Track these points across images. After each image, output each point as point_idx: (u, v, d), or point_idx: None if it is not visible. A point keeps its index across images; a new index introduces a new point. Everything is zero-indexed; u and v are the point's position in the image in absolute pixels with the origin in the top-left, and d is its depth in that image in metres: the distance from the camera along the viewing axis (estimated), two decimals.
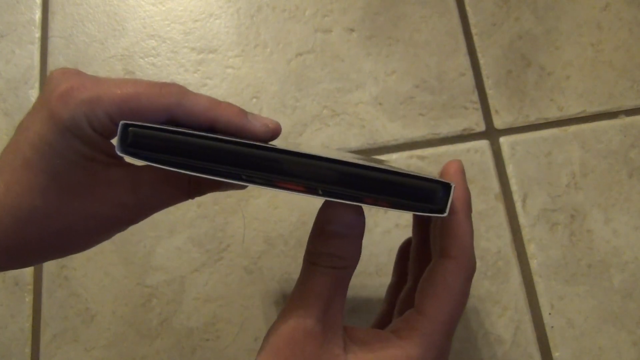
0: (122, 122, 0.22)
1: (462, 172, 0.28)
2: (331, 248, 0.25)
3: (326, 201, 0.25)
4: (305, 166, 0.22)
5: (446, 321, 0.25)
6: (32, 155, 0.25)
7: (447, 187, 0.22)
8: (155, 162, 0.22)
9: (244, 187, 0.30)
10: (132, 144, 0.22)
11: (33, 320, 0.42)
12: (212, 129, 0.26)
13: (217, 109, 0.26)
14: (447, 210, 0.22)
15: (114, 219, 0.27)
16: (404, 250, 0.35)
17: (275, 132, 0.27)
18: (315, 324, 0.24)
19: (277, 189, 0.22)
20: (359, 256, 0.25)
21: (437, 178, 0.22)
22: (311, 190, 0.22)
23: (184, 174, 0.22)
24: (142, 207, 0.28)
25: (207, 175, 0.22)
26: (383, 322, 0.33)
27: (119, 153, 0.22)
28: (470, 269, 0.26)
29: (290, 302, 0.25)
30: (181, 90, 0.26)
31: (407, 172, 0.22)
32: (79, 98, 0.24)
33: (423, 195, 0.22)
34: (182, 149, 0.22)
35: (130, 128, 0.22)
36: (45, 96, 0.25)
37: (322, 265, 0.25)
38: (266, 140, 0.26)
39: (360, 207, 0.25)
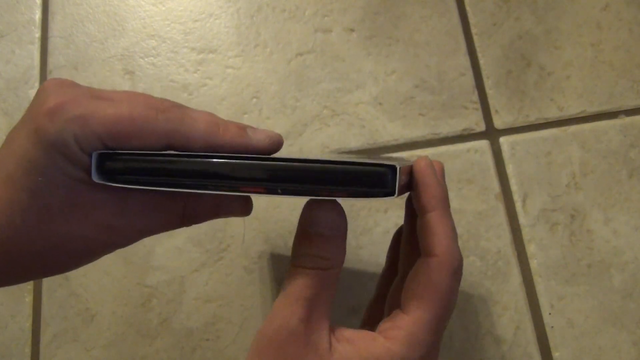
0: (94, 153, 0.24)
1: (431, 168, 0.28)
2: (314, 249, 0.25)
3: (308, 203, 0.26)
4: (259, 169, 0.23)
5: (432, 320, 0.25)
6: (14, 170, 0.23)
7: (393, 169, 0.23)
8: (128, 184, 0.24)
9: (240, 213, 0.31)
10: (103, 171, 0.24)
11: (33, 320, 0.42)
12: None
13: (216, 135, 0.25)
14: (397, 191, 0.22)
15: (100, 241, 0.26)
16: (397, 238, 0.35)
17: (279, 143, 0.26)
18: (298, 324, 0.24)
19: (242, 193, 0.24)
20: (344, 256, 0.26)
21: (386, 162, 0.23)
22: (272, 191, 0.23)
23: (155, 190, 0.24)
24: (131, 230, 0.27)
25: (178, 189, 0.24)
26: (373, 309, 0.33)
27: (94, 179, 0.24)
28: (454, 266, 0.26)
29: (275, 303, 0.25)
30: (179, 114, 0.25)
31: (355, 161, 0.23)
32: (68, 115, 0.23)
33: (373, 181, 0.23)
34: (150, 169, 0.24)
35: (99, 153, 0.24)
36: (33, 109, 0.24)
37: (305, 267, 0.25)
38: (271, 153, 0.26)
39: (341, 208, 0.26)
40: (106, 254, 0.28)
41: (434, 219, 0.27)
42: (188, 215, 0.29)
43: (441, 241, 0.26)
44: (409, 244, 0.31)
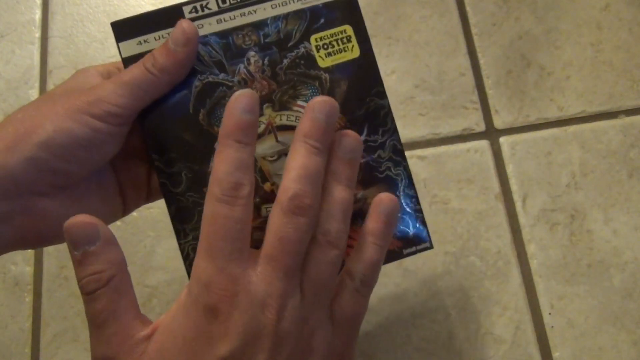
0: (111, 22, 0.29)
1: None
2: None
3: None
4: None
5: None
6: None
7: None
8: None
9: None
10: (119, 33, 0.29)
11: (33, 320, 0.42)
12: None
13: None
14: None
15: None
16: None
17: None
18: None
19: None
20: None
21: None
22: None
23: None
24: None
25: None
26: None
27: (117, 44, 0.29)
28: (280, 199, 0.25)
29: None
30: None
31: None
32: (24, 149, 0.25)
33: None
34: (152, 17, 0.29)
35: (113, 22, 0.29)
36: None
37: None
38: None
39: None
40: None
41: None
42: (128, 208, 0.32)
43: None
44: None
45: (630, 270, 0.41)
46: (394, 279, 0.41)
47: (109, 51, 0.49)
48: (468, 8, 0.48)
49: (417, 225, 0.31)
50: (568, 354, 0.39)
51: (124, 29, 0.29)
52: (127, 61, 0.29)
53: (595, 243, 0.42)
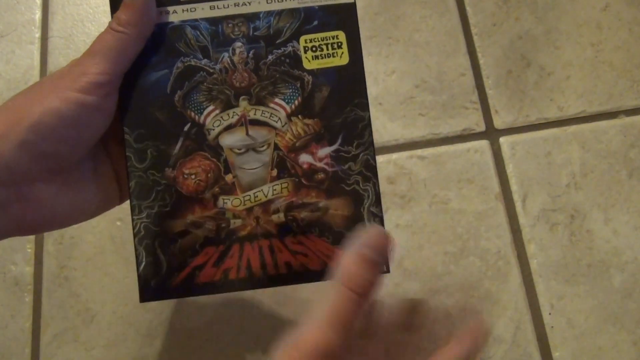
0: None
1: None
2: None
3: None
4: None
5: None
6: None
7: None
8: None
9: None
10: None
11: (33, 320, 0.42)
12: None
13: None
14: None
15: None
16: None
17: None
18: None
19: None
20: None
21: None
22: None
23: None
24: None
25: None
26: None
27: None
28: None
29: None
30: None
31: None
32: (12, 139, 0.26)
33: None
34: None
35: None
36: None
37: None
38: None
39: None
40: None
41: None
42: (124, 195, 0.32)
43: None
44: None
45: (630, 270, 0.41)
46: (394, 279, 0.41)
47: None
48: (468, 8, 0.48)
49: None
50: (568, 354, 0.39)
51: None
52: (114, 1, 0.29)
53: (595, 243, 0.42)
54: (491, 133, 0.45)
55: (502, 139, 0.44)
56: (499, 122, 0.45)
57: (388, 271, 0.28)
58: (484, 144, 0.44)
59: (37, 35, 0.50)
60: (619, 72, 0.46)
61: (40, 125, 0.26)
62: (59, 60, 0.49)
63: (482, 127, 0.45)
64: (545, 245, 0.42)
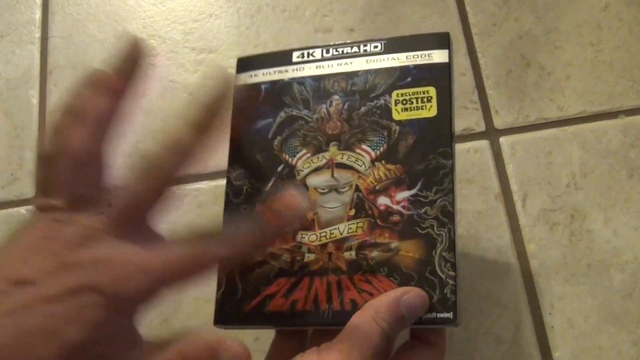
0: None
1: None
2: None
3: None
4: None
5: None
6: None
7: None
8: None
9: None
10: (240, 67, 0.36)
11: None
12: None
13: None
14: None
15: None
16: None
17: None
18: None
19: None
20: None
21: None
22: None
23: None
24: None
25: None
26: None
27: None
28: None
29: None
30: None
31: None
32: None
33: None
34: None
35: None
36: None
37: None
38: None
39: None
40: None
41: None
42: None
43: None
44: None
45: (630, 270, 0.41)
46: None
47: (109, 51, 0.49)
48: (468, 8, 0.48)
49: (445, 292, 0.29)
50: (568, 354, 0.39)
51: (244, 63, 0.35)
52: (238, 90, 0.33)
53: (595, 243, 0.42)
54: (491, 133, 0.45)
55: (502, 139, 0.44)
56: (499, 122, 0.45)
57: (458, 324, 0.29)
58: (483, 144, 0.44)
59: (37, 35, 0.50)
60: (619, 72, 0.46)
61: None
62: (59, 60, 0.49)
63: (482, 127, 0.45)
64: (545, 245, 0.42)
